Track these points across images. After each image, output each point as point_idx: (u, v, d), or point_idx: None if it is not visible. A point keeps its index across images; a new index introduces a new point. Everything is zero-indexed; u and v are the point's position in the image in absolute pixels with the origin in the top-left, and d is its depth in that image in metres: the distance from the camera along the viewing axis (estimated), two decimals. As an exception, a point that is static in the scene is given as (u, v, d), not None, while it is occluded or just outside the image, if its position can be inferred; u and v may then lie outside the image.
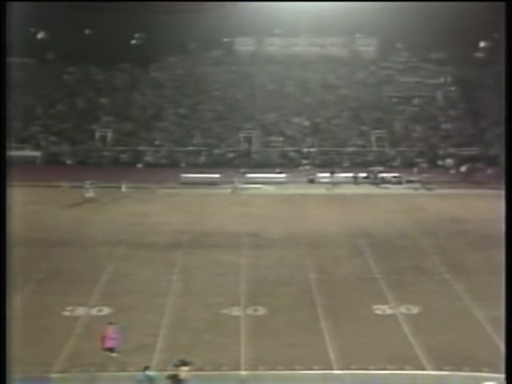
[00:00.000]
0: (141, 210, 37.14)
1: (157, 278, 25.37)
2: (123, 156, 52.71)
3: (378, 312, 21.94)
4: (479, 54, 61.92)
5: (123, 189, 41.16)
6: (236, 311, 22.05)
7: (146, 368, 16.69)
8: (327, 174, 45.91)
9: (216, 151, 53.46)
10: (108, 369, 17.85)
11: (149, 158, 52.53)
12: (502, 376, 17.08)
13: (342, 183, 44.94)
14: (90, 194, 39.80)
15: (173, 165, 50.83)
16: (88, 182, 40.35)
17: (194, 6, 54.81)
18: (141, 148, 53.23)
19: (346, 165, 50.63)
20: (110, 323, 19.12)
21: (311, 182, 46.19)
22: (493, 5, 51.46)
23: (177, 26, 56.79)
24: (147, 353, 18.71)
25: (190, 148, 53.64)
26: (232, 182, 43.56)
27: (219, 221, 34.83)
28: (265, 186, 44.48)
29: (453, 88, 59.13)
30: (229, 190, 43.24)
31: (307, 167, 50.26)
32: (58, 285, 24.38)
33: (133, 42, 63.54)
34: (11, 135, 40.79)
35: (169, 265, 27.05)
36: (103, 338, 18.55)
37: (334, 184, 44.75)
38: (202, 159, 52.66)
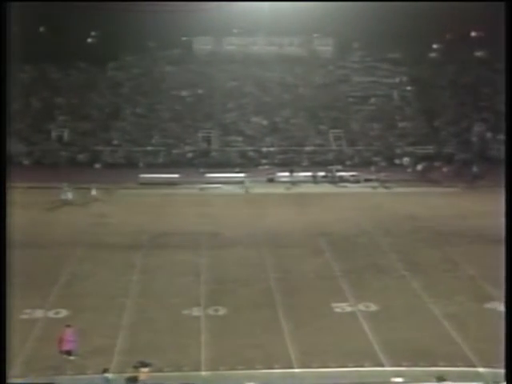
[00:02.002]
0: (102, 211, 36.75)
1: (116, 279, 25.12)
2: (80, 156, 52.00)
3: (338, 310, 22.13)
4: (433, 55, 63.03)
5: (93, 191, 40.14)
6: (196, 311, 21.99)
7: (105, 370, 16.50)
8: (286, 174, 46.14)
9: (175, 151, 53.15)
10: (66, 372, 17.58)
11: (107, 158, 51.93)
12: (469, 369, 17.55)
13: (301, 182, 45.22)
14: (67, 196, 38.69)
15: (131, 165, 50.32)
16: (65, 184, 39.32)
17: (151, 6, 54.37)
18: (98, 148, 52.59)
19: (304, 164, 50.91)
20: (68, 326, 18.84)
21: (271, 181, 46.34)
22: (446, 5, 52.63)
23: (134, 24, 56.23)
24: (106, 355, 18.50)
25: (149, 148, 53.20)
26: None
27: (179, 221, 34.71)
28: (224, 185, 44.44)
29: (408, 87, 60.04)
30: (190, 190, 43.15)
31: (266, 166, 50.39)
32: (16, 287, 23.87)
33: (89, 40, 62.69)
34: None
35: (127, 266, 26.81)
36: (61, 341, 18.27)
37: (294, 183, 45.00)
38: (161, 159, 52.31)
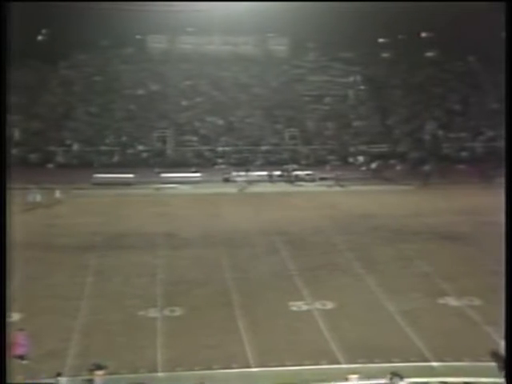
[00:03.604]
0: (67, 213, 36.10)
1: (70, 281, 24.70)
2: (32, 156, 50.96)
3: (294, 308, 22.20)
4: (385, 54, 63.95)
5: (57, 194, 39.14)
6: (153, 312, 21.78)
7: (59, 374, 16.20)
8: (242, 173, 46.14)
9: (129, 151, 52.60)
10: (17, 377, 17.15)
11: (59, 158, 51.04)
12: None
13: (258, 181, 45.28)
14: (35, 198, 37.64)
15: (85, 165, 49.52)
16: (33, 186, 38.34)
17: (104, 4, 53.60)
18: (51, 148, 51.63)
19: (260, 163, 51.02)
20: (20, 329, 18.44)
21: (227, 180, 46.28)
22: (397, 5, 53.35)
23: (86, 22, 55.37)
24: (60, 358, 18.16)
25: (103, 148, 52.51)
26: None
27: (134, 221, 34.37)
28: (180, 185, 44.19)
29: (362, 87, 60.72)
30: (144, 190, 42.78)
31: (222, 166, 50.29)
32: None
33: (40, 38, 61.45)
34: None
35: (82, 267, 26.40)
36: (12, 345, 17.85)
37: (250, 182, 45.02)
38: (115, 159, 51.69)
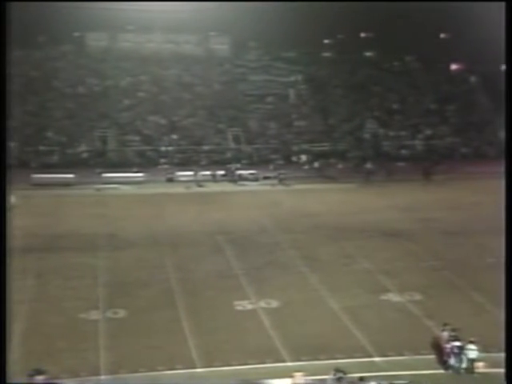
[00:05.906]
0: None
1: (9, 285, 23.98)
2: (-34, 157, 49.34)
3: (239, 308, 22.19)
4: (327, 54, 64.70)
5: (12, 198, 37.63)
6: (94, 315, 21.40)
7: (-3, 381, 15.70)
8: (186, 173, 45.82)
9: (69, 151, 51.50)
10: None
11: (-5, 159, 49.56)
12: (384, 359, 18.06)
13: (201, 181, 45.05)
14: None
15: (22, 165, 48.15)
16: None
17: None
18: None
19: (204, 163, 50.75)
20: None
21: (170, 180, 45.86)
22: (337, 5, 54.01)
23: (22, 17, 53.77)
24: (-2, 365, 17.61)
25: (41, 147, 51.25)
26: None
27: (75, 222, 33.68)
28: (122, 185, 43.56)
29: (303, 86, 61.22)
30: (85, 191, 41.99)
31: (165, 166, 49.82)
32: None
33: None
34: None
35: (20, 270, 25.66)
36: None
37: (193, 182, 44.73)
38: (55, 159, 50.53)
